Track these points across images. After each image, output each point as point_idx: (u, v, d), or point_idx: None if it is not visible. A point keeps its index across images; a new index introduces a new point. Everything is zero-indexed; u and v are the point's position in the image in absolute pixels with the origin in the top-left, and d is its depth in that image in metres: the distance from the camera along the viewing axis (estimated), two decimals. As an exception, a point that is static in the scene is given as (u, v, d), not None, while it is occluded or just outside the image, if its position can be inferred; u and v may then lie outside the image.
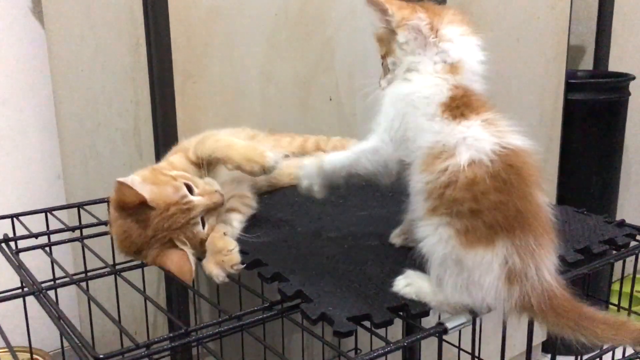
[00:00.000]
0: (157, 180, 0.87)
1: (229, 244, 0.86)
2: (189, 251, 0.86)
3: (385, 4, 0.80)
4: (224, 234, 0.89)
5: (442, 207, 0.70)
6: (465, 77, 0.78)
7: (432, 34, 0.78)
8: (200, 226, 0.88)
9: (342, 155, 0.84)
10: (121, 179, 0.83)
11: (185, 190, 0.87)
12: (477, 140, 0.71)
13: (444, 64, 0.78)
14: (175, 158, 0.96)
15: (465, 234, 0.69)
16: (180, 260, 0.85)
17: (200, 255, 0.90)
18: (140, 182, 0.86)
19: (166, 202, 0.85)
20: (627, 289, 1.62)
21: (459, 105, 0.75)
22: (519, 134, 0.73)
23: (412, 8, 0.80)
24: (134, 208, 0.84)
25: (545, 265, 0.71)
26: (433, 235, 0.71)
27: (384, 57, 0.84)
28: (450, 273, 0.71)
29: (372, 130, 0.82)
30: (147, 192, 0.85)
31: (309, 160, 0.89)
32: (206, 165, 0.94)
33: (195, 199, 0.87)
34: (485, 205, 0.68)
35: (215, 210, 0.90)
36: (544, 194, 0.73)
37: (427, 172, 0.72)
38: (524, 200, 0.70)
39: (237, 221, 0.94)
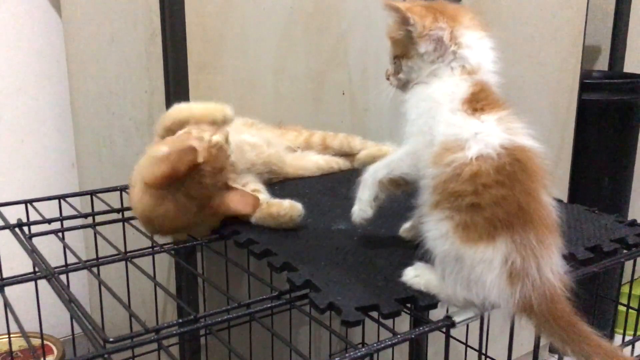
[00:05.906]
0: (178, 144, 0.90)
1: (282, 205, 0.93)
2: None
3: (407, 13, 0.78)
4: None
5: (445, 202, 0.70)
6: (484, 76, 0.79)
7: (452, 44, 0.78)
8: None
9: (382, 162, 0.84)
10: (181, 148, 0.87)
11: (206, 133, 0.91)
12: (488, 136, 0.71)
13: (462, 68, 0.78)
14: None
15: (465, 229, 0.68)
16: (242, 196, 0.92)
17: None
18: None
19: (205, 149, 0.88)
20: (637, 291, 1.62)
21: (479, 100, 0.75)
22: (532, 137, 0.73)
23: (433, 16, 0.79)
24: (186, 175, 0.87)
25: (548, 264, 0.69)
26: (435, 230, 0.71)
27: (398, 57, 0.83)
28: (451, 270, 0.70)
29: (405, 139, 0.81)
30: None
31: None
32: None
33: (215, 137, 0.91)
34: (486, 199, 0.68)
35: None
36: (550, 194, 0.72)
37: (436, 166, 0.72)
38: (527, 196, 0.68)
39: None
